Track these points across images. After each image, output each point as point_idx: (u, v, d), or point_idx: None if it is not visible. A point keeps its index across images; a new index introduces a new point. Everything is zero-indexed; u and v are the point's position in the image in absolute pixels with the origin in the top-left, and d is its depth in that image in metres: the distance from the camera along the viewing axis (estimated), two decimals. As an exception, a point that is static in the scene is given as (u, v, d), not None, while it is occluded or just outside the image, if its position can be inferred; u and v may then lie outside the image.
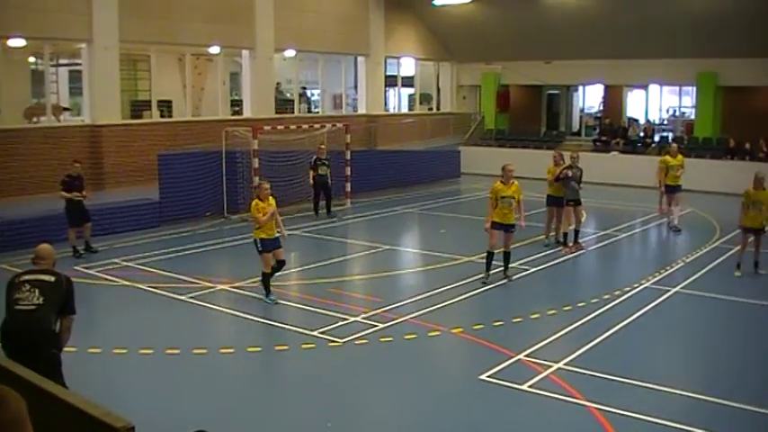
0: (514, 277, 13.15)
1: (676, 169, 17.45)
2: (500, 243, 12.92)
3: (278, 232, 11.67)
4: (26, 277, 6.78)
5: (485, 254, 12.94)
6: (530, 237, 15.91)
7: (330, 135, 21.34)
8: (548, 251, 15.35)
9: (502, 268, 13.09)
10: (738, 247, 13.89)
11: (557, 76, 30.62)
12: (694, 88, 28.63)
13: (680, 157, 17.78)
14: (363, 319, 10.76)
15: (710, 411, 7.88)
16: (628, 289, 12.46)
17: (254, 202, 11.68)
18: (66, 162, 19.01)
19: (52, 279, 6.78)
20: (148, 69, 22.59)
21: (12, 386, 3.43)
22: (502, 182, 12.86)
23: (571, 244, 15.55)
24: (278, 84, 26.66)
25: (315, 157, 19.34)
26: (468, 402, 8.08)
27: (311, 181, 19.17)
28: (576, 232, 15.75)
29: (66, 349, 6.95)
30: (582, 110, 33.77)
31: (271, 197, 11.69)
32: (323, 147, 19.65)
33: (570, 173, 15.54)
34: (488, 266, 12.94)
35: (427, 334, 10.19)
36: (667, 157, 17.72)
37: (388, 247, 16.01)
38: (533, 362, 9.05)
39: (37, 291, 6.65)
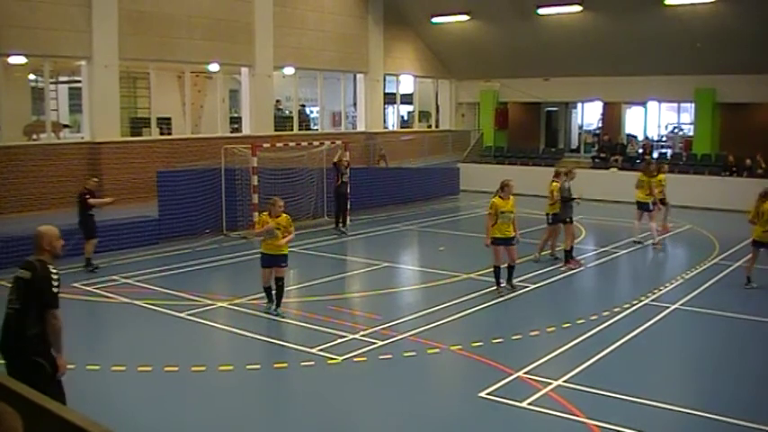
0: (513, 295, 13.15)
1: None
2: (505, 258, 13.17)
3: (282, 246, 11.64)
4: (18, 272, 6.41)
5: (487, 270, 13.31)
6: (527, 254, 15.91)
7: (329, 152, 21.40)
8: (548, 267, 15.33)
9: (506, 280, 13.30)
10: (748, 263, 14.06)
11: (555, 94, 30.73)
12: (692, 105, 28.73)
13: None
14: (362, 336, 10.74)
15: (710, 428, 7.86)
16: (627, 306, 12.45)
17: (262, 215, 11.86)
18: (65, 179, 19.21)
19: (28, 275, 6.28)
20: (148, 87, 22.68)
21: (8, 402, 3.43)
22: (501, 197, 12.99)
23: (572, 262, 15.55)
24: (277, 101, 26.73)
25: (336, 165, 19.88)
26: (467, 420, 8.05)
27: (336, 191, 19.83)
28: (572, 249, 15.72)
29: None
30: (581, 127, 33.87)
31: (283, 216, 11.67)
32: (345, 160, 20.09)
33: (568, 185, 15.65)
34: (498, 280, 13.23)
35: (426, 351, 10.16)
36: (660, 176, 18.55)
37: (387, 265, 16.00)
38: (533, 379, 9.02)
39: (16, 292, 6.30)
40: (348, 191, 20.02)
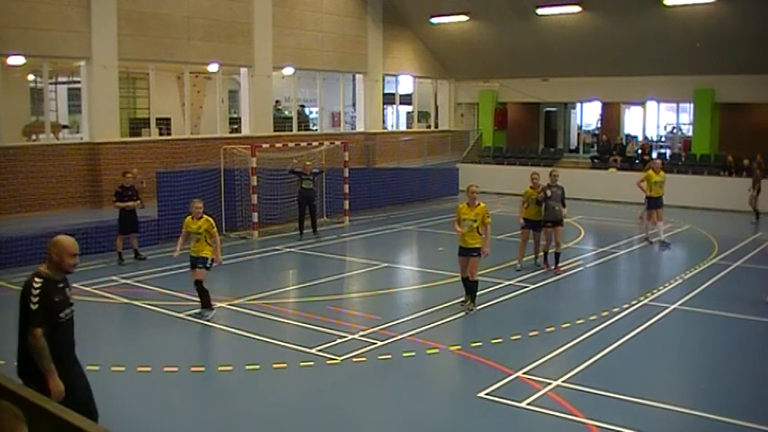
0: (512, 295, 13.14)
1: (659, 185, 18.17)
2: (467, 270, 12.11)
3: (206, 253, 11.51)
4: None
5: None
6: (525, 256, 15.88)
7: (328, 153, 21.42)
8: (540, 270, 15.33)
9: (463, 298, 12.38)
10: None
11: (554, 94, 30.74)
12: (691, 105, 28.73)
13: (662, 173, 18.39)
14: (362, 336, 10.74)
15: (710, 428, 7.87)
16: (626, 306, 12.45)
17: (186, 218, 11.77)
18: (65, 180, 19.24)
19: (22, 289, 5.79)
20: (147, 87, 22.66)
21: (11, 403, 3.43)
22: (467, 203, 12.32)
23: (553, 266, 15.16)
24: (276, 101, 26.74)
25: (299, 170, 19.02)
26: (466, 420, 8.06)
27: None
28: (557, 255, 15.17)
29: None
30: (580, 127, 33.90)
31: (204, 218, 11.50)
32: (309, 164, 19.34)
33: (549, 192, 14.97)
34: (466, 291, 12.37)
35: (425, 351, 10.16)
36: (650, 173, 18.27)
37: (386, 265, 16.00)
38: (532, 379, 9.02)
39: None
40: (315, 197, 19.15)
